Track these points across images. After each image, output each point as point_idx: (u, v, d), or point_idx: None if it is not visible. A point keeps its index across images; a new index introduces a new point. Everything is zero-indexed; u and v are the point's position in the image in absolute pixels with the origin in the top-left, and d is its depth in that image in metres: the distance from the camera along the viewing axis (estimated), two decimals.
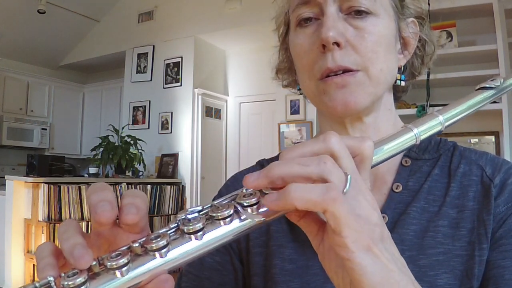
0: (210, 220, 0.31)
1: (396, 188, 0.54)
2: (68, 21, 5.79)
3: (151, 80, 5.36)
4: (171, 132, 5.14)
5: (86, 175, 5.06)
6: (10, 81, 5.81)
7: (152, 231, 0.33)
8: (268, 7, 0.63)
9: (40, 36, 5.83)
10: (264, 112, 5.24)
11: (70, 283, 0.27)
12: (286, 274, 0.53)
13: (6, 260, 3.50)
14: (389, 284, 0.31)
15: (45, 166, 4.55)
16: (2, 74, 5.71)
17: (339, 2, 0.50)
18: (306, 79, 0.54)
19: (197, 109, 5.04)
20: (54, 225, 3.42)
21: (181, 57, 5.12)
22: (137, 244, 0.30)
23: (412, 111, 2.91)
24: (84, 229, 0.32)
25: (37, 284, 0.28)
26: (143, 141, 4.87)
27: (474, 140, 3.16)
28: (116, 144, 4.72)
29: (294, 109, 4.45)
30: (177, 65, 5.15)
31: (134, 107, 5.46)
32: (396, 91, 0.61)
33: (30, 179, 3.62)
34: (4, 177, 3.92)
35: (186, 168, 4.93)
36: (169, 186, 4.63)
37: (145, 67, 5.41)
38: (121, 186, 4.12)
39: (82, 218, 3.66)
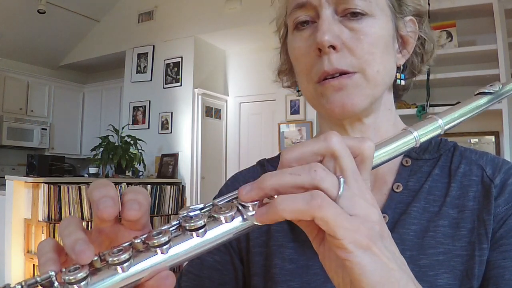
0: (212, 217, 0.32)
1: (397, 188, 0.54)
2: (68, 21, 5.79)
3: (151, 80, 5.36)
4: (171, 132, 5.14)
5: (86, 175, 5.06)
6: (10, 81, 5.81)
7: None
8: (268, 7, 0.63)
9: (40, 36, 5.83)
10: (264, 112, 5.24)
11: (71, 277, 0.27)
12: (286, 274, 0.53)
13: (6, 260, 3.50)
14: (389, 283, 0.31)
15: (45, 166, 4.55)
16: (2, 74, 5.71)
17: (334, 4, 0.50)
18: (304, 82, 0.54)
19: (197, 109, 5.04)
20: (54, 225, 3.42)
21: (181, 57, 5.12)
22: (138, 240, 0.30)
23: (412, 111, 2.91)
24: None
25: (38, 279, 0.28)
26: (143, 141, 4.87)
27: (474, 140, 3.16)
28: (116, 144, 4.72)
29: (294, 109, 4.46)
30: (177, 65, 5.15)
31: (134, 107, 5.46)
32: (397, 89, 0.61)
33: (30, 179, 3.62)
34: (4, 177, 3.92)
35: (186, 168, 4.93)
36: (169, 186, 4.63)
37: (145, 67, 5.41)
38: (121, 186, 4.12)
39: (82, 218, 3.66)
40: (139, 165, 4.86)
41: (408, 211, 0.51)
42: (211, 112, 5.29)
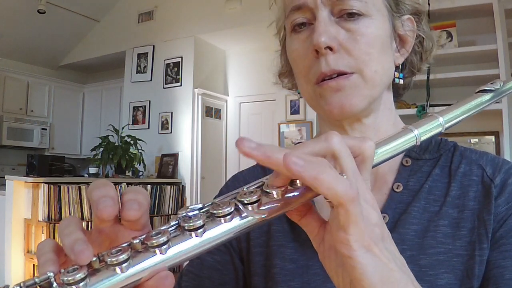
0: (211, 217, 0.31)
1: (397, 188, 0.54)
2: (68, 21, 5.79)
3: (151, 80, 5.36)
4: (171, 132, 5.14)
5: (86, 175, 5.06)
6: (10, 81, 5.81)
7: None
8: (268, 7, 0.63)
9: (40, 36, 5.84)
10: (264, 112, 5.24)
11: (69, 278, 0.27)
12: (287, 273, 0.53)
13: (6, 260, 3.50)
14: (389, 283, 0.31)
15: (45, 166, 4.55)
16: (2, 74, 5.71)
17: (330, 6, 0.50)
18: (303, 83, 0.55)
19: (197, 109, 5.04)
20: (54, 225, 3.42)
21: (181, 57, 5.12)
22: (137, 241, 0.30)
23: (412, 111, 2.91)
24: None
25: (37, 280, 0.28)
26: (143, 141, 4.87)
27: (474, 140, 3.16)
28: (116, 144, 4.72)
29: (294, 109, 4.46)
30: (177, 65, 5.15)
31: (134, 107, 5.46)
32: (397, 89, 0.61)
33: (30, 179, 3.62)
34: (4, 177, 3.92)
35: (186, 168, 4.93)
36: (169, 186, 4.63)
37: (145, 67, 5.41)
38: (121, 186, 4.12)
39: (82, 218, 3.66)
40: (139, 165, 4.86)
41: (408, 211, 0.51)
42: (211, 112, 5.29)
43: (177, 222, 0.31)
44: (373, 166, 0.36)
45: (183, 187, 4.88)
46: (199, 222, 0.30)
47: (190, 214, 0.31)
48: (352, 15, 0.50)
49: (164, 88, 5.23)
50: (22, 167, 5.61)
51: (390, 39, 0.54)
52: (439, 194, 0.52)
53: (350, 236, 0.30)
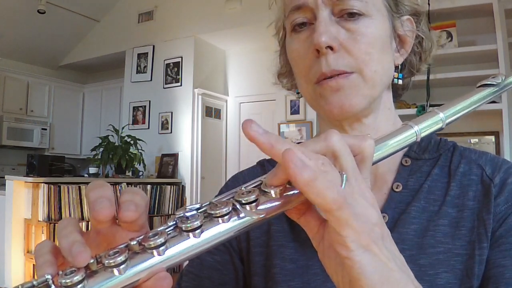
0: (208, 217, 0.31)
1: (396, 188, 0.54)
2: (68, 21, 5.79)
3: (151, 80, 5.36)
4: (171, 132, 5.14)
5: (86, 175, 5.06)
6: (10, 81, 5.81)
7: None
8: (268, 7, 0.63)
9: (40, 36, 5.83)
10: (264, 112, 5.24)
11: (67, 281, 0.27)
12: (287, 273, 0.53)
13: (6, 260, 3.50)
14: (389, 283, 0.31)
15: (45, 166, 4.55)
16: (2, 74, 5.71)
17: (331, 6, 0.50)
18: (303, 83, 0.55)
19: (197, 109, 5.04)
20: (54, 225, 3.42)
21: (181, 57, 5.12)
22: (135, 242, 0.30)
23: (412, 111, 2.91)
24: (84, 229, 0.32)
25: (34, 282, 0.28)
26: (143, 141, 4.87)
27: (474, 140, 3.16)
28: (116, 144, 4.72)
29: (294, 109, 4.46)
30: (177, 65, 5.15)
31: (134, 107, 5.46)
32: (397, 89, 0.61)
33: (30, 179, 3.62)
34: (4, 177, 3.92)
35: (186, 168, 4.93)
36: (169, 186, 4.63)
37: (145, 67, 5.41)
38: (121, 186, 4.12)
39: (82, 218, 3.66)
40: (139, 165, 4.86)
41: (408, 210, 0.51)
42: (211, 112, 5.29)
43: (174, 222, 0.31)
44: (374, 163, 0.36)
45: (183, 187, 4.88)
46: (197, 223, 0.30)
47: (187, 214, 0.31)
48: (352, 15, 0.50)
49: (164, 88, 5.23)
50: (22, 167, 5.61)
51: (390, 39, 0.54)
52: (438, 193, 0.52)
53: (345, 237, 0.30)
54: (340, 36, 0.50)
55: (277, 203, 0.32)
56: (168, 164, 4.95)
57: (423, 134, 0.39)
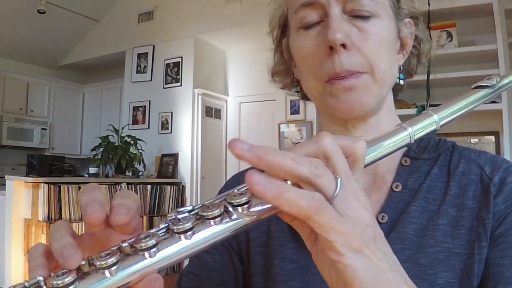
0: (200, 219, 0.31)
1: (396, 188, 0.54)
2: (68, 21, 5.80)
3: (151, 80, 5.36)
4: (171, 132, 5.14)
5: (86, 175, 5.06)
6: (10, 81, 5.82)
7: None
8: (268, 7, 0.63)
9: (40, 36, 5.84)
10: (264, 112, 5.24)
11: (59, 282, 0.27)
12: (287, 273, 0.53)
13: (6, 260, 3.51)
14: (382, 284, 0.31)
15: (45, 166, 4.56)
16: (2, 74, 5.71)
17: (342, 3, 0.51)
18: (311, 81, 0.54)
19: (197, 109, 5.04)
20: None
21: (181, 57, 5.12)
22: (126, 244, 0.30)
23: (412, 111, 2.91)
24: (82, 230, 0.32)
25: (26, 284, 0.28)
26: (143, 141, 4.88)
27: (474, 140, 3.16)
28: (116, 144, 4.72)
29: (294, 109, 4.46)
30: (177, 65, 5.15)
31: (134, 107, 5.46)
32: (395, 89, 0.62)
33: (30, 179, 3.62)
34: (4, 177, 3.92)
35: (186, 168, 4.93)
36: (169, 186, 4.63)
37: (145, 67, 5.41)
38: (121, 186, 4.12)
39: (82, 218, 3.66)
40: (139, 165, 4.86)
41: (407, 210, 0.52)
42: (211, 112, 5.29)
43: (166, 224, 0.31)
44: (367, 165, 0.36)
45: (183, 187, 4.88)
46: (188, 225, 0.30)
47: (179, 216, 0.31)
48: (363, 14, 0.51)
49: (164, 88, 5.23)
50: (22, 167, 5.61)
51: (395, 40, 0.55)
52: (438, 193, 0.53)
53: (333, 242, 0.30)
54: (352, 35, 0.50)
55: (269, 205, 0.32)
56: (168, 164, 4.95)
57: (417, 136, 0.39)
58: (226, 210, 0.31)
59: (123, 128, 4.93)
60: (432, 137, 0.59)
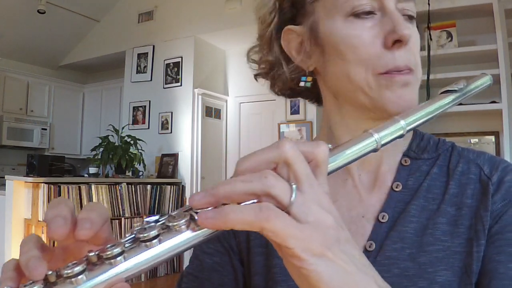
0: (166, 229, 0.32)
1: (396, 187, 0.55)
2: (68, 21, 5.80)
3: (151, 80, 5.36)
4: (171, 132, 5.14)
5: (86, 175, 5.06)
6: (10, 81, 5.82)
7: None
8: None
9: (40, 36, 5.84)
10: (264, 112, 5.24)
11: None
12: (287, 273, 0.53)
13: (6, 260, 3.50)
14: (348, 286, 0.31)
15: (45, 166, 4.56)
16: (2, 74, 5.72)
17: (396, 0, 0.52)
18: (361, 71, 0.52)
19: (197, 109, 5.04)
20: None
21: (181, 57, 5.13)
22: (93, 254, 0.30)
23: None
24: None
25: None
26: (143, 141, 4.88)
27: (474, 140, 3.16)
28: (116, 144, 4.73)
29: (294, 109, 4.46)
30: (177, 65, 5.15)
31: (134, 107, 5.47)
32: None
33: (30, 179, 3.62)
34: (4, 177, 3.92)
35: (186, 168, 4.93)
36: (169, 186, 4.63)
37: (145, 67, 5.41)
38: (121, 186, 4.13)
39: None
40: (139, 165, 4.87)
41: (407, 209, 0.52)
42: (211, 112, 5.29)
43: (133, 235, 0.32)
44: (334, 171, 0.36)
45: (183, 187, 4.89)
46: (154, 232, 0.31)
47: (146, 226, 0.32)
48: (410, 14, 0.53)
49: (164, 88, 5.24)
50: (22, 167, 5.62)
51: None
52: (437, 192, 0.53)
53: (293, 249, 0.30)
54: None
55: None
56: (168, 164, 4.96)
57: (383, 142, 0.39)
58: (192, 219, 0.32)
59: (123, 128, 4.94)
60: (432, 138, 0.59)
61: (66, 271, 0.29)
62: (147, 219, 0.32)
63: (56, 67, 6.71)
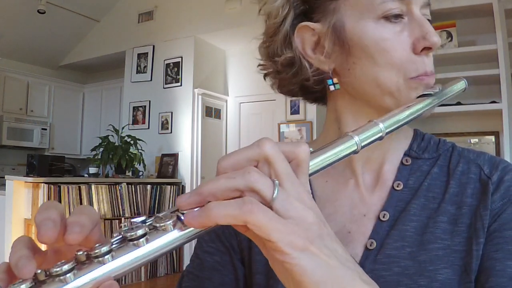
0: (153, 229, 0.32)
1: (397, 186, 0.55)
2: (68, 21, 5.81)
3: (151, 80, 5.37)
4: (171, 132, 5.15)
5: (86, 175, 5.07)
6: (10, 81, 5.83)
7: None
8: None
9: (40, 36, 5.85)
10: (264, 112, 5.24)
11: None
12: None
13: (6, 260, 3.51)
14: (332, 281, 0.32)
15: (45, 166, 4.56)
16: (2, 74, 5.73)
17: (419, 6, 0.52)
18: (391, 74, 0.52)
19: (197, 109, 5.04)
20: None
21: (181, 57, 5.13)
22: (81, 253, 0.31)
23: None
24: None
25: None
26: (143, 141, 4.88)
27: (474, 140, 3.16)
28: (116, 144, 4.73)
29: (294, 109, 4.46)
30: (177, 65, 5.16)
31: (134, 107, 5.47)
32: None
33: (30, 179, 3.63)
34: (4, 177, 3.93)
35: (186, 168, 4.93)
36: (169, 186, 4.63)
37: (145, 67, 5.41)
38: (121, 186, 4.13)
39: None
40: (139, 165, 4.87)
41: (408, 208, 0.53)
42: (211, 112, 5.29)
43: (120, 235, 0.32)
44: (314, 173, 0.37)
45: (183, 187, 4.89)
46: (141, 231, 0.31)
47: (133, 226, 0.32)
48: (429, 21, 0.53)
49: (164, 88, 5.24)
50: (22, 167, 5.62)
51: None
52: (438, 191, 0.54)
53: (277, 243, 0.31)
54: None
55: None
56: (168, 164, 4.96)
57: (363, 144, 0.40)
58: (179, 219, 0.32)
59: (123, 128, 4.94)
60: (432, 138, 0.60)
61: (55, 269, 0.29)
62: (134, 220, 0.33)
63: (56, 67, 6.71)
